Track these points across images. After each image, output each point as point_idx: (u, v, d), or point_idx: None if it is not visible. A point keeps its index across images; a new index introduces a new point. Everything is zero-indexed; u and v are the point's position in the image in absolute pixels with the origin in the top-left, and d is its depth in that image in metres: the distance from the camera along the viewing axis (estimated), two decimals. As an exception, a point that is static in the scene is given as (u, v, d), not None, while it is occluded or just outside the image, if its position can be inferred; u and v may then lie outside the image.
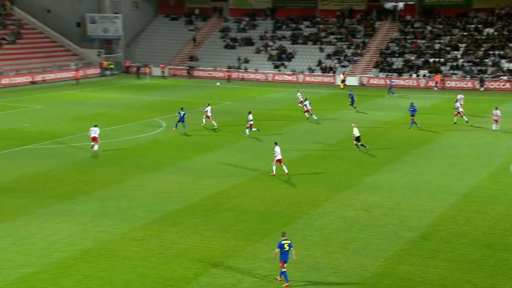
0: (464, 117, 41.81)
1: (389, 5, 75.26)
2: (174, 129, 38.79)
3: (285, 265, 17.55)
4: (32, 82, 63.39)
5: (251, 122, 37.33)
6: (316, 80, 68.36)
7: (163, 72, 71.68)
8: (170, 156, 33.04)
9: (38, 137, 36.71)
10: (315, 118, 43.00)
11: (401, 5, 74.84)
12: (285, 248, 17.49)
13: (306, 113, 43.45)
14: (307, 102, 43.48)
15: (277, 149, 29.01)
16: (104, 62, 72.90)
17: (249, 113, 37.78)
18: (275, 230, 21.78)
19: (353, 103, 47.94)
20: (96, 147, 32.53)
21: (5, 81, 61.11)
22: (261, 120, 41.83)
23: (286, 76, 69.04)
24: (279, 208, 24.34)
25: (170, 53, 77.04)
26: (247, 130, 37.38)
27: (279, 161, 28.90)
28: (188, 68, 72.64)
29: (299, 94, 49.18)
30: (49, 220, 22.46)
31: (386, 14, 74.40)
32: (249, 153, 33.58)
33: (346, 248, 20.50)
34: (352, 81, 66.24)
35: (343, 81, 65.00)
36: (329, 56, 71.04)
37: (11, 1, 75.00)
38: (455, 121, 41.97)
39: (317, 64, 70.38)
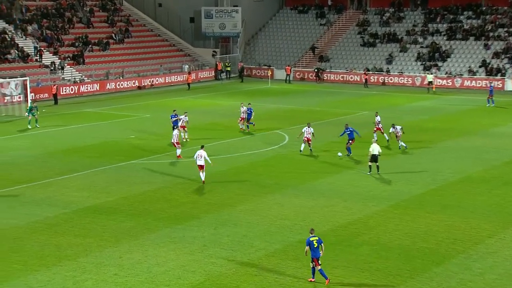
0: None
1: None
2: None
3: (319, 261, 20.12)
4: (139, 87, 67.10)
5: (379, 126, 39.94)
6: (479, 85, 65.82)
7: (288, 75, 72.67)
8: (294, 175, 33.31)
9: (144, 151, 38.65)
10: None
11: None
12: (314, 245, 20.10)
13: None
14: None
15: (200, 152, 30.85)
16: (219, 63, 75.41)
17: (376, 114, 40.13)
18: (423, 271, 21.20)
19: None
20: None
21: (111, 85, 65.23)
22: (406, 133, 40.97)
23: (440, 80, 67.17)
24: (427, 244, 23.69)
25: (296, 52, 78.04)
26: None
27: (201, 167, 30.96)
28: (316, 70, 73.07)
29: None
30: (155, 247, 23.46)
31: None
32: (392, 174, 33.03)
33: (516, 299, 19.45)
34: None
35: (430, 83, 63.12)
36: (497, 55, 68.18)
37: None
38: None
39: (481, 65, 67.81)
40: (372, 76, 70.41)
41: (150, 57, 73.01)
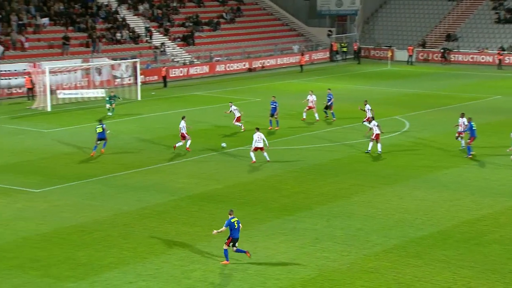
0: None
1: None
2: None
3: (231, 243, 21.44)
4: (250, 69, 67.97)
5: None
6: None
7: (410, 56, 71.32)
8: (415, 165, 32.89)
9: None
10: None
11: None
12: (235, 225, 21.41)
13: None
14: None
15: (257, 136, 32.83)
16: (335, 44, 75.05)
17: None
18: (562, 276, 20.39)
19: None
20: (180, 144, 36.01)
21: (220, 67, 66.49)
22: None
23: None
24: None
25: (420, 31, 76.40)
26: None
27: (259, 149, 32.98)
28: (443, 50, 71.28)
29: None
30: (264, 239, 23.83)
31: None
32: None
33: None
34: None
35: None
36: None
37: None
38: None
39: None
40: (508, 57, 67.95)
41: (261, 37, 73.67)
